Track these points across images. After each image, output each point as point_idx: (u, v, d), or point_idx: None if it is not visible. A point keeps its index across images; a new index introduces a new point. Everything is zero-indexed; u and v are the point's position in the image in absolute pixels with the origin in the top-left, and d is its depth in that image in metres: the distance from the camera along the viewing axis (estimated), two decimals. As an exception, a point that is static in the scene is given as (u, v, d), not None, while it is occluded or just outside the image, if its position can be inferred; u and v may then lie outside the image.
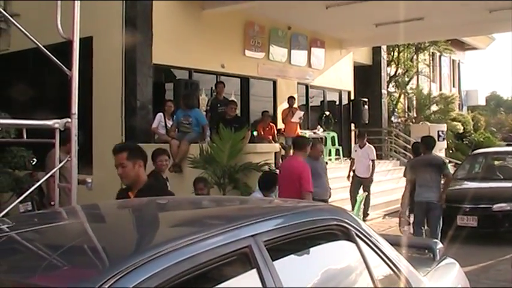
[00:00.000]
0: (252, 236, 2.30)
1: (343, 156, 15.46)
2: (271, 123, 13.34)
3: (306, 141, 7.78)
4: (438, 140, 18.72)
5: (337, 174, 12.63)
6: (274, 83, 15.37)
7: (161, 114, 11.04)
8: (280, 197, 7.15)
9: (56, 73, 5.59)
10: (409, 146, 17.24)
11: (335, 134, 15.86)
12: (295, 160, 7.34)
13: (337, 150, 15.58)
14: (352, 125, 18.10)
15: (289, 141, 12.95)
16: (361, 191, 11.69)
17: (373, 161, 11.82)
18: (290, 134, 13.20)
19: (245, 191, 8.90)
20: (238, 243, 2.23)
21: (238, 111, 11.94)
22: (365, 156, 11.83)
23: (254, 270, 2.23)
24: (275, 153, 10.93)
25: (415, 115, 24.45)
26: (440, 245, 3.80)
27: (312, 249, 2.80)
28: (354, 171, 11.94)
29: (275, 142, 12.26)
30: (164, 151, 7.42)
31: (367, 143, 12.09)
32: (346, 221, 2.88)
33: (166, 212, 3.09)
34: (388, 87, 21.59)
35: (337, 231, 2.82)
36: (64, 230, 2.61)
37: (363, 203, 10.97)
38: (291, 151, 9.07)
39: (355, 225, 2.91)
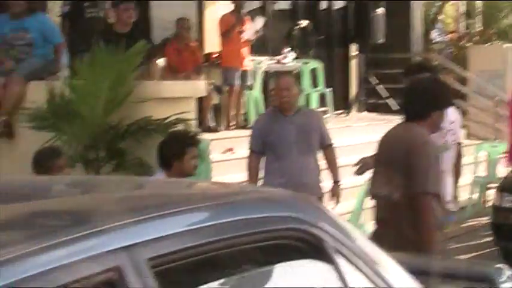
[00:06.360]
0: (124, 248, 2.43)
1: (334, 109, 15.88)
2: (192, 44, 13.59)
3: None
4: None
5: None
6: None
7: None
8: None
9: None
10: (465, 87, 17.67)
11: (318, 65, 16.02)
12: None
13: (323, 96, 15.81)
14: (353, 47, 18.34)
15: (233, 79, 13.51)
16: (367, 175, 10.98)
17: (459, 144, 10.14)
18: (233, 64, 13.62)
19: (139, 173, 8.95)
20: (96, 264, 2.35)
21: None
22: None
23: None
24: (200, 99, 11.17)
25: (477, 29, 24.67)
26: (510, 272, 4.13)
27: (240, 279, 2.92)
28: None
29: (200, 79, 12.47)
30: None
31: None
32: (319, 223, 3.01)
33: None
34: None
35: (298, 242, 2.93)
36: None
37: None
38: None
39: (334, 232, 3.02)
